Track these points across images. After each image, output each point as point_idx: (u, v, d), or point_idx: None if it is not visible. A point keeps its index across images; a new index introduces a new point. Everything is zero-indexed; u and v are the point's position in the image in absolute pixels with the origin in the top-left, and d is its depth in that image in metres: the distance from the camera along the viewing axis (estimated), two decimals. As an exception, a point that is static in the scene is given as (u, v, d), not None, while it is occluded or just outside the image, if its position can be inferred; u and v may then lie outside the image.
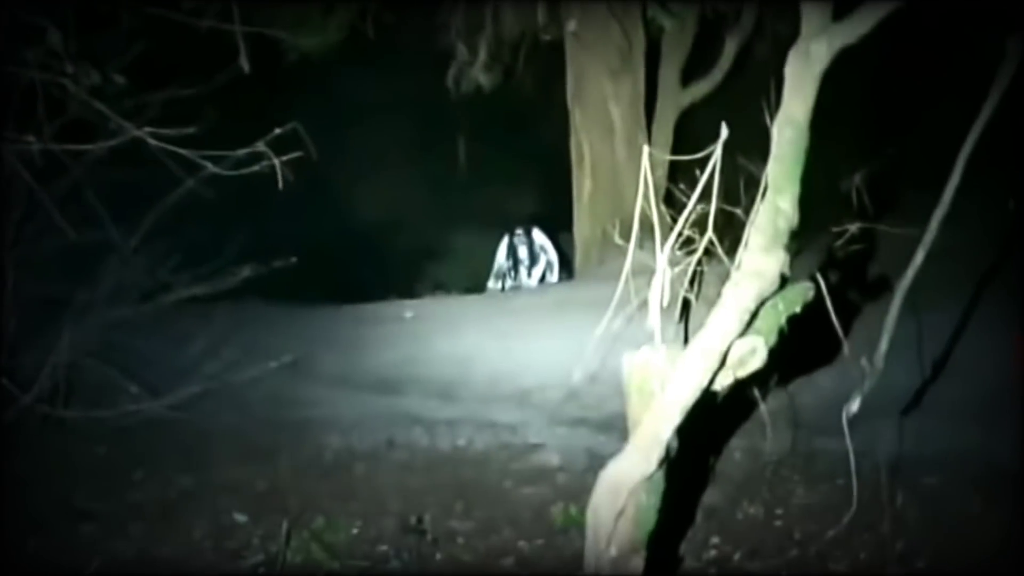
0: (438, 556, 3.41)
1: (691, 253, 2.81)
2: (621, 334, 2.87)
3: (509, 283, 8.07)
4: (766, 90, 2.80)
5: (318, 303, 6.86)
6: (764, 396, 3.91)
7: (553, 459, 4.27)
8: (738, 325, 2.36)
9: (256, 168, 3.56)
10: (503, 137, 10.19)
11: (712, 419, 2.83)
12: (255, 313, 6.09)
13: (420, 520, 3.65)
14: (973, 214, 4.11)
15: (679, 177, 5.11)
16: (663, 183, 6.33)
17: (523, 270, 8.06)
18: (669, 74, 8.05)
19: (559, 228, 8.36)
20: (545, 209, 8.93)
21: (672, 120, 8.03)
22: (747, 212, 2.72)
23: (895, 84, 7.57)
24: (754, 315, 2.43)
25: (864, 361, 2.95)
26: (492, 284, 8.14)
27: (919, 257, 2.84)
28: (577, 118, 7.83)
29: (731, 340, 2.34)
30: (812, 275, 2.75)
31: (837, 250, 4.29)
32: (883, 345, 2.94)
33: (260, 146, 3.51)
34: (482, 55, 7.70)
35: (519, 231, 8.07)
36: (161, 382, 4.68)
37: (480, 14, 7.58)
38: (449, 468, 4.22)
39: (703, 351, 2.31)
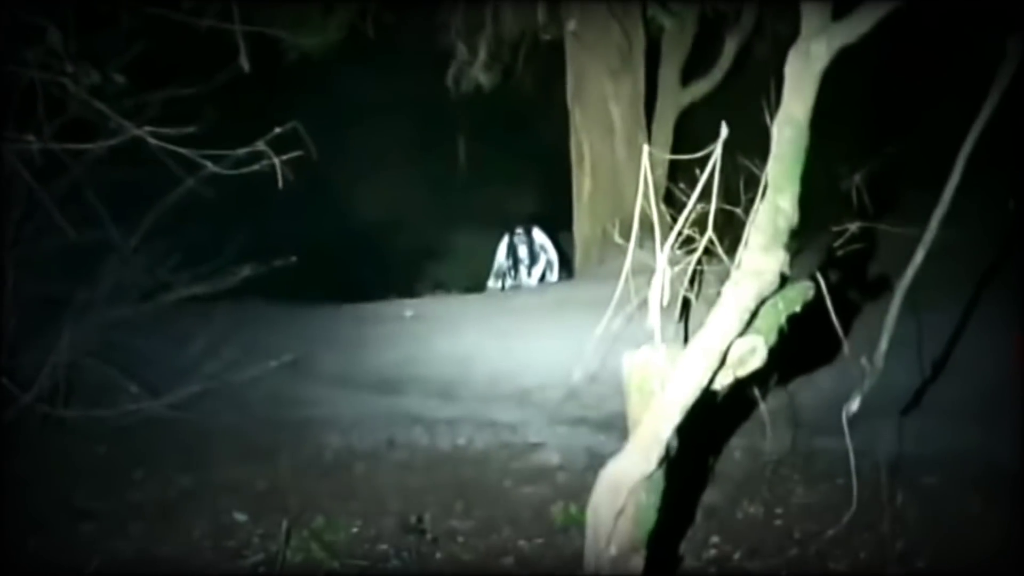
0: (438, 555, 3.41)
1: (691, 252, 2.81)
2: (621, 333, 2.87)
3: (509, 282, 8.07)
4: (766, 89, 2.80)
5: (318, 302, 6.86)
6: (764, 395, 3.91)
7: (553, 458, 4.27)
8: (738, 324, 2.36)
9: (256, 167, 3.56)
10: (503, 136, 10.19)
11: (712, 418, 2.83)
12: (255, 312, 6.09)
13: (420, 519, 3.65)
14: (973, 213, 4.12)
15: (679, 176, 5.11)
16: (663, 182, 6.33)
17: (523, 269, 8.06)
18: (669, 73, 8.05)
19: (559, 227, 8.35)
20: (545, 208, 8.92)
21: (672, 119, 8.03)
22: (747, 211, 2.72)
23: (895, 83, 7.57)
24: (754, 314, 2.43)
25: (864, 360, 2.95)
26: (492, 283, 8.14)
27: (919, 256, 2.84)
28: (577, 117, 7.83)
29: (731, 339, 2.34)
30: (812, 274, 2.75)
31: (837, 249, 4.28)
32: (883, 344, 2.94)
33: (260, 145, 3.51)
34: (482, 54, 7.70)
35: (519, 230, 8.07)
36: (161, 382, 4.68)
37: (480, 13, 7.58)
38: (449, 467, 4.22)
39: (703, 350, 2.31)
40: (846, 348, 2.97)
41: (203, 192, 4.25)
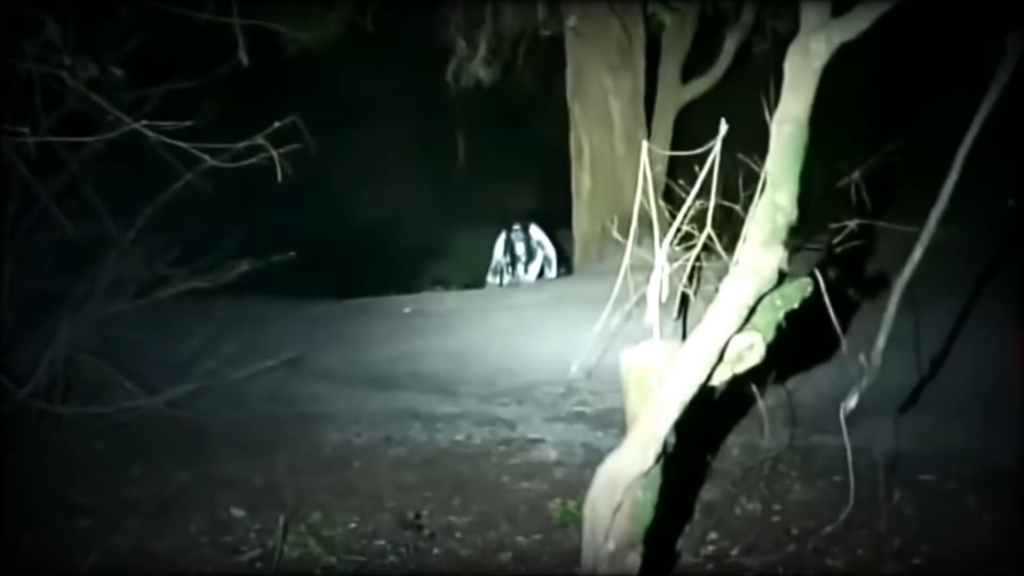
0: (436, 551, 3.41)
1: (690, 249, 2.81)
2: (620, 329, 2.87)
3: (506, 279, 8.08)
4: (766, 86, 2.79)
5: (317, 298, 6.86)
6: (762, 392, 3.91)
7: (551, 454, 4.27)
8: (736, 321, 2.36)
9: (254, 160, 3.56)
10: (502, 132, 10.18)
11: (710, 415, 2.83)
12: (255, 308, 6.09)
13: (418, 515, 3.65)
14: (972, 211, 4.11)
15: (678, 173, 5.11)
16: (662, 179, 6.33)
17: (520, 266, 8.07)
18: (669, 70, 8.04)
19: (558, 224, 8.36)
20: (544, 205, 8.92)
21: (672, 116, 8.02)
22: (746, 208, 2.72)
23: (894, 80, 7.56)
24: (752, 311, 2.43)
25: (862, 358, 2.95)
26: (490, 279, 8.15)
27: (917, 254, 2.84)
28: (577, 114, 7.82)
29: (729, 336, 2.34)
30: (810, 271, 2.75)
31: (836, 246, 4.28)
32: (881, 342, 2.94)
33: (259, 140, 3.51)
34: (482, 50, 7.69)
35: (516, 227, 8.07)
36: (159, 377, 4.68)
37: (480, 9, 7.57)
38: (447, 463, 4.22)
39: (701, 347, 2.30)
40: (844, 345, 2.97)
41: (202, 187, 4.25)
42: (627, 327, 2.91)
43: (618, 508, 2.24)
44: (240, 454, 4.24)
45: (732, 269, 2.48)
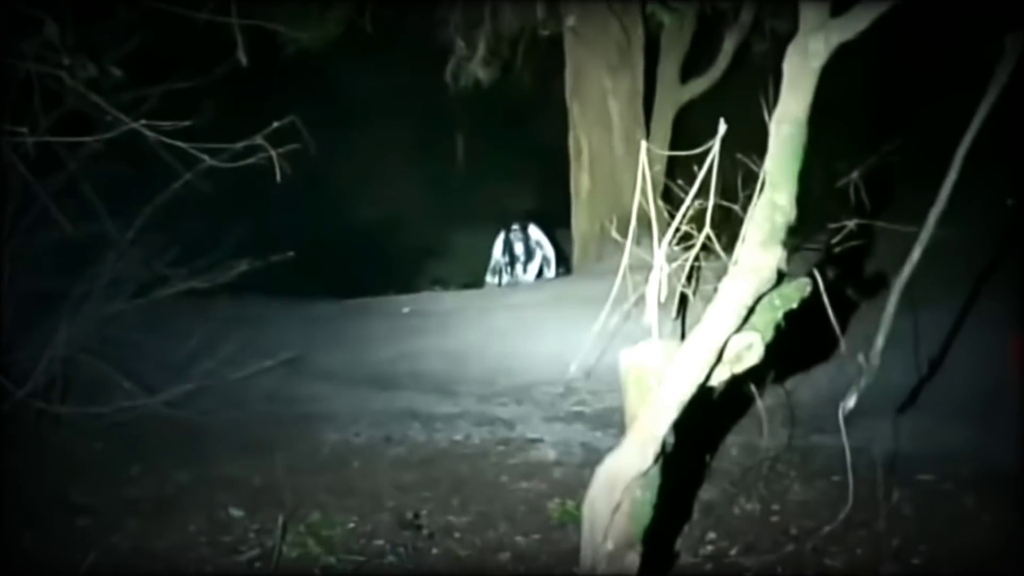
0: (434, 551, 3.41)
1: (689, 249, 2.82)
2: (619, 329, 2.87)
3: (505, 279, 8.08)
4: (764, 86, 2.80)
5: (316, 298, 6.85)
6: (761, 392, 3.90)
7: (550, 454, 4.27)
8: (735, 321, 2.36)
9: (252, 160, 3.56)
10: (501, 132, 10.18)
11: (709, 415, 2.83)
12: (253, 308, 6.09)
13: (416, 515, 3.65)
14: (971, 211, 4.11)
15: (677, 173, 5.12)
16: (661, 179, 6.33)
17: (519, 266, 8.07)
18: (668, 70, 8.04)
19: (557, 224, 8.36)
20: (543, 205, 8.93)
21: (671, 116, 8.02)
22: (745, 208, 2.72)
23: (893, 80, 7.56)
24: (751, 311, 2.43)
25: (861, 358, 2.95)
26: (489, 279, 8.16)
27: (916, 254, 2.84)
28: (575, 114, 7.82)
29: (728, 336, 2.34)
30: (809, 271, 2.75)
31: (834, 246, 4.29)
32: (880, 342, 2.94)
33: (257, 139, 3.51)
34: (480, 50, 7.69)
35: (515, 227, 8.08)
36: (158, 377, 4.67)
37: (479, 9, 7.57)
38: (446, 463, 4.22)
39: (700, 347, 2.31)
40: (843, 345, 2.97)
41: (201, 187, 4.24)
42: (626, 327, 2.91)
43: (617, 508, 2.24)
44: (239, 454, 4.24)
45: (731, 269, 2.48)
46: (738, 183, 3.44)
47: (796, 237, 2.65)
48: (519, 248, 8.06)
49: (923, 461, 3.82)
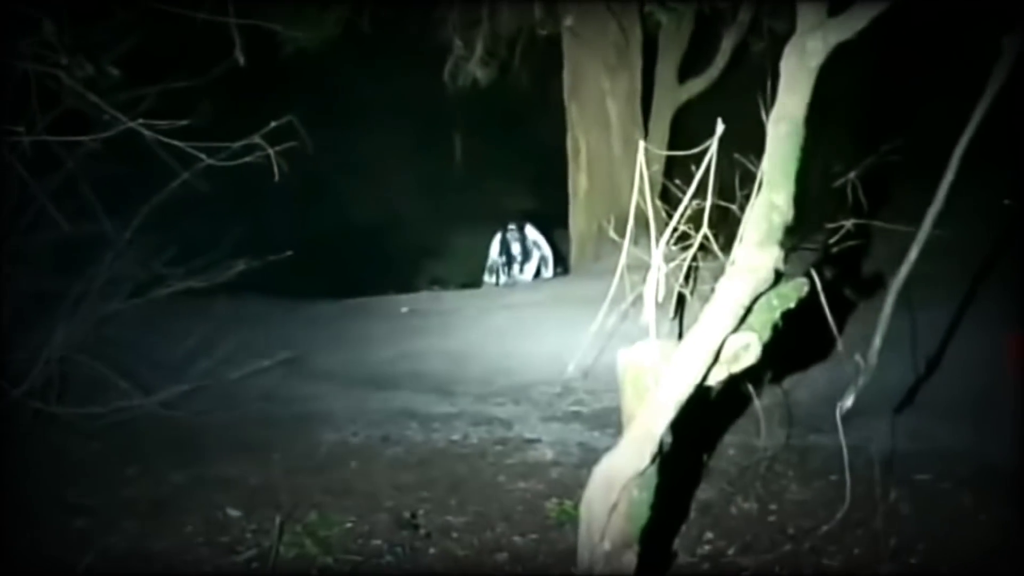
0: (432, 551, 3.41)
1: (686, 249, 2.82)
2: (616, 329, 2.87)
3: (503, 279, 8.09)
4: (762, 86, 2.80)
5: (314, 298, 6.85)
6: (758, 392, 3.90)
7: (547, 454, 4.27)
8: (732, 320, 2.36)
9: (250, 159, 3.55)
10: (499, 133, 10.19)
11: (706, 414, 2.83)
12: (252, 308, 6.09)
13: (414, 515, 3.64)
14: (968, 211, 4.12)
15: (675, 173, 5.12)
16: (659, 179, 6.34)
17: (516, 266, 8.08)
18: (666, 70, 8.05)
19: (555, 224, 8.37)
20: (541, 205, 8.94)
21: (668, 116, 8.03)
22: (742, 208, 2.72)
23: (891, 80, 7.57)
24: (748, 310, 2.43)
25: (858, 357, 2.94)
26: (486, 279, 8.17)
27: (913, 253, 2.84)
28: (574, 114, 7.83)
29: (725, 335, 2.34)
30: (807, 271, 2.75)
31: (832, 246, 4.29)
32: (877, 341, 2.94)
33: (255, 139, 3.51)
34: (479, 50, 7.69)
35: (512, 227, 8.09)
36: (155, 377, 4.67)
37: (477, 9, 7.57)
38: (443, 463, 4.22)
39: (697, 346, 2.31)
40: (840, 345, 2.97)
41: (198, 186, 4.24)
42: (623, 327, 2.92)
43: (614, 507, 2.24)
44: (236, 454, 4.23)
45: (728, 269, 2.48)
46: (736, 183, 3.44)
47: (793, 237, 2.65)
48: (516, 248, 8.07)
49: (920, 460, 3.83)
